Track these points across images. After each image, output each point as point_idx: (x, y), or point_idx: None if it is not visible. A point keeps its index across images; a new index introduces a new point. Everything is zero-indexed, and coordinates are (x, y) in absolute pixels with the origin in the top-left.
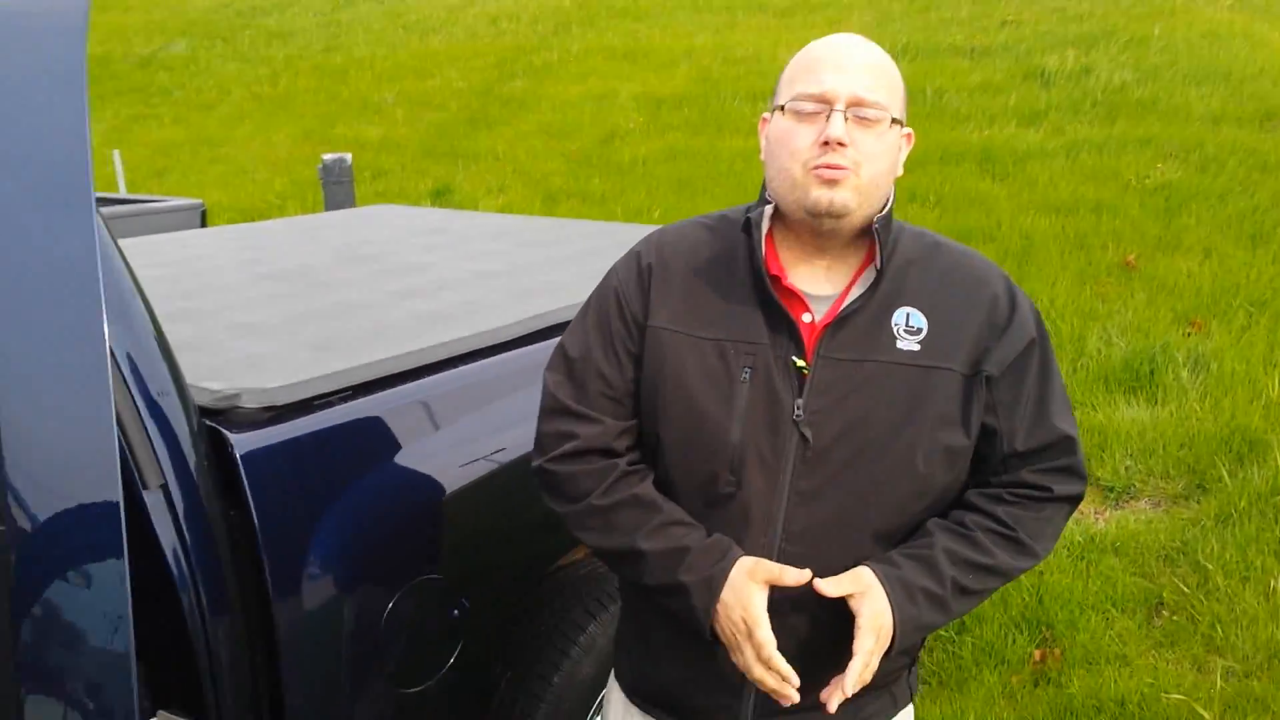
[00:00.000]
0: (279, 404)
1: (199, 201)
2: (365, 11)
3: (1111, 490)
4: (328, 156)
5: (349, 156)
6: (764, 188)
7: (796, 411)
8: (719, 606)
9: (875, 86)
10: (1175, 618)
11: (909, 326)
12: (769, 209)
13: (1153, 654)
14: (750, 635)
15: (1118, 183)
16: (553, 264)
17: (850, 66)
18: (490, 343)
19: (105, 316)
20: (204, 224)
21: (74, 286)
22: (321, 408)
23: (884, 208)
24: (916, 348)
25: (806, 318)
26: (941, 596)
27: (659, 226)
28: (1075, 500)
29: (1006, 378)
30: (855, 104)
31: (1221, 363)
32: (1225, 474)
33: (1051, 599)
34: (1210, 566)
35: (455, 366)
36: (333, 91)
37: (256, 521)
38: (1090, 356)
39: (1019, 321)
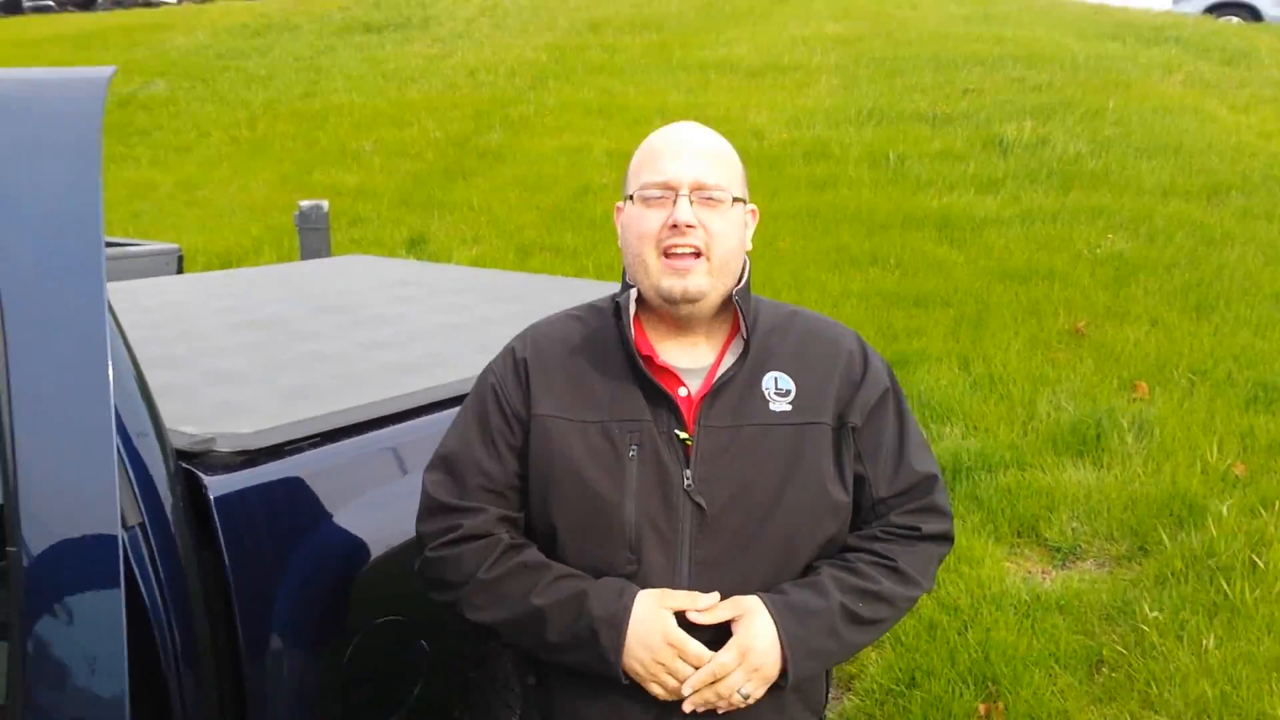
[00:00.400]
0: (252, 449)
1: (176, 246)
2: (345, 58)
3: (1058, 550)
4: (304, 203)
5: (326, 203)
6: (624, 273)
7: (686, 482)
8: (629, 642)
9: (714, 169)
10: (1114, 674)
11: (779, 389)
12: (633, 293)
13: (1092, 709)
14: (685, 654)
15: (1070, 251)
16: (519, 319)
17: (688, 153)
18: (455, 394)
19: (111, 368)
20: (180, 269)
21: (84, 339)
22: (293, 453)
23: (740, 280)
24: (789, 408)
25: (683, 391)
26: (832, 622)
27: (534, 321)
28: (944, 538)
29: (867, 426)
30: (697, 187)
31: (1164, 428)
32: (1165, 537)
33: (997, 655)
34: (1146, 628)
35: (421, 415)
36: (311, 137)
37: (227, 561)
38: (1040, 420)
39: (872, 373)
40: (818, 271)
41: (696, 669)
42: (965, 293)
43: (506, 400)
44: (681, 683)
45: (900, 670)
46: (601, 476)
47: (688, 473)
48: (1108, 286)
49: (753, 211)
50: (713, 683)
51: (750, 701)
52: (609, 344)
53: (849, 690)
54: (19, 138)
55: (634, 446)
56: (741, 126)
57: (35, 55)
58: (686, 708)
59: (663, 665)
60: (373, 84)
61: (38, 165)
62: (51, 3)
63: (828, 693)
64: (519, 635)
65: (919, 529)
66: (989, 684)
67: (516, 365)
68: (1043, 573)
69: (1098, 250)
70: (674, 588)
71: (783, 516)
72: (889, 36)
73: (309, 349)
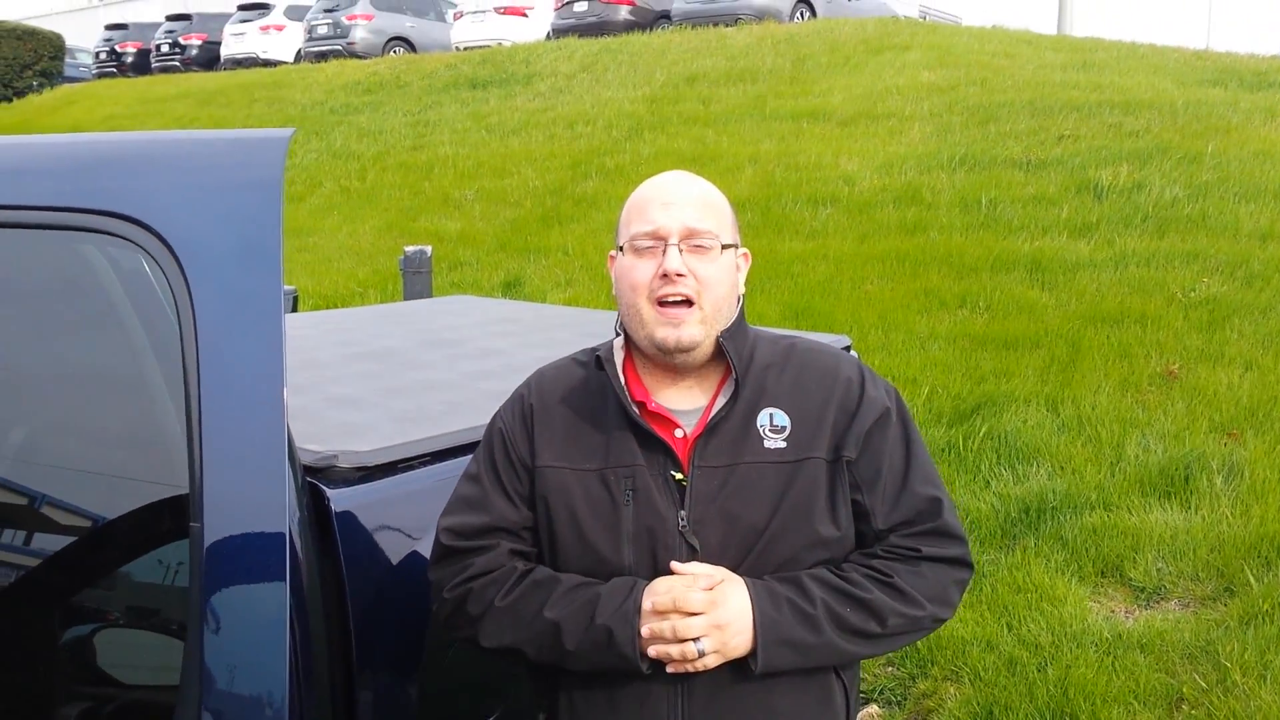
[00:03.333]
0: (369, 465)
1: (292, 288)
2: (451, 113)
3: (1142, 590)
4: (409, 248)
5: (429, 249)
6: (618, 320)
7: (681, 523)
8: (645, 617)
9: (703, 217)
10: (1194, 712)
11: (774, 426)
12: (619, 341)
13: None
14: (687, 604)
15: (1164, 295)
16: None
17: (678, 202)
18: None
19: (285, 388)
20: (295, 308)
21: (263, 354)
22: (405, 470)
23: (730, 321)
24: (783, 445)
25: (678, 433)
26: (811, 614)
27: (540, 367)
28: (952, 562)
29: (864, 455)
30: (687, 235)
31: (1254, 471)
32: (1252, 578)
33: (1076, 692)
34: (1229, 665)
35: None
36: (417, 187)
37: (344, 569)
38: (1128, 461)
39: (868, 399)
40: (905, 314)
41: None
42: (1055, 335)
43: (514, 448)
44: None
45: (978, 705)
46: (597, 526)
47: (682, 514)
48: (1202, 330)
49: (745, 255)
50: (674, 610)
51: (702, 662)
52: (606, 391)
53: None
54: (219, 183)
55: (629, 491)
56: (833, 173)
57: (163, 111)
58: (644, 631)
59: (670, 622)
60: (476, 137)
61: (231, 210)
62: (177, 62)
63: (851, 715)
64: (540, 650)
65: (919, 550)
66: (1067, 719)
67: (524, 413)
68: (1126, 612)
69: (1192, 294)
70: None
71: (772, 552)
72: (984, 84)
73: (420, 378)
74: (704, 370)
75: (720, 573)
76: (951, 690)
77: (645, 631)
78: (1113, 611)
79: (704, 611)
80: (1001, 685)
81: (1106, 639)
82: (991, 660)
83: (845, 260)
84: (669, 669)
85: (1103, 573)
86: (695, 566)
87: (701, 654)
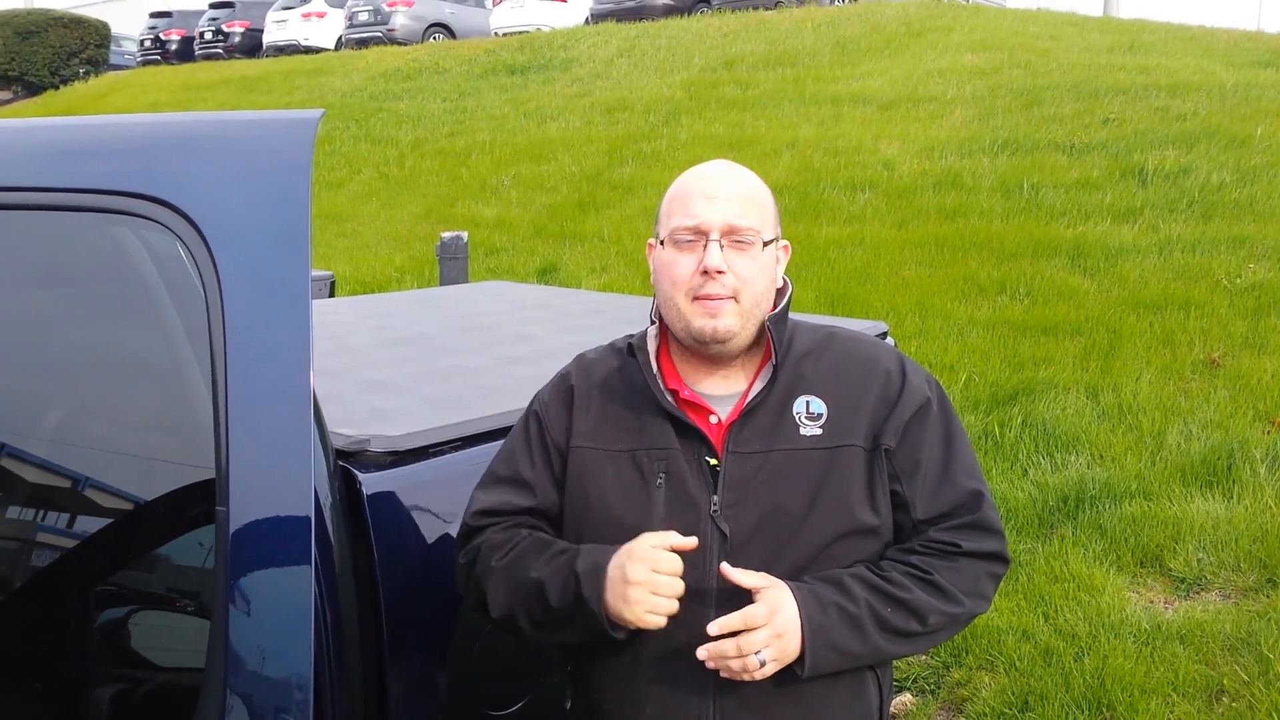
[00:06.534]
0: (401, 450)
1: (329, 273)
2: (489, 100)
3: (1183, 581)
4: (446, 234)
5: (465, 235)
6: (654, 308)
7: (713, 508)
8: (610, 577)
9: (746, 213)
10: (1235, 704)
11: (810, 413)
12: (654, 330)
13: None
14: (658, 565)
15: (1208, 281)
16: None
17: (721, 196)
18: None
19: (312, 370)
20: (333, 293)
21: (291, 338)
22: (437, 455)
23: (777, 307)
24: (819, 432)
25: (713, 419)
26: (856, 616)
27: (582, 351)
28: (990, 557)
29: (904, 445)
30: (729, 232)
31: None
32: None
33: (1114, 682)
34: (1272, 656)
35: None
36: (454, 173)
37: (375, 552)
38: (1169, 450)
39: (910, 389)
40: (944, 300)
41: (675, 591)
42: (1096, 322)
43: (549, 430)
44: (669, 599)
45: (1013, 694)
46: (629, 506)
47: (715, 499)
48: (1247, 317)
49: (785, 247)
50: (739, 632)
51: (761, 672)
52: (641, 378)
53: (960, 713)
54: (248, 165)
55: (661, 474)
56: (872, 158)
57: (205, 98)
58: (701, 654)
59: (641, 585)
60: (514, 123)
61: (260, 192)
62: (220, 50)
63: (884, 706)
64: (531, 614)
65: (959, 545)
66: (1104, 710)
67: (565, 395)
68: (1165, 603)
69: (1237, 280)
70: (701, 612)
71: (808, 540)
72: (1028, 67)
73: (452, 363)
74: (741, 358)
75: (766, 577)
76: (986, 679)
77: (703, 654)
78: (1151, 602)
79: (766, 624)
80: (1037, 675)
81: (1145, 629)
82: (1027, 650)
83: (883, 246)
84: (722, 674)
85: (1142, 563)
86: (742, 575)
87: (762, 664)
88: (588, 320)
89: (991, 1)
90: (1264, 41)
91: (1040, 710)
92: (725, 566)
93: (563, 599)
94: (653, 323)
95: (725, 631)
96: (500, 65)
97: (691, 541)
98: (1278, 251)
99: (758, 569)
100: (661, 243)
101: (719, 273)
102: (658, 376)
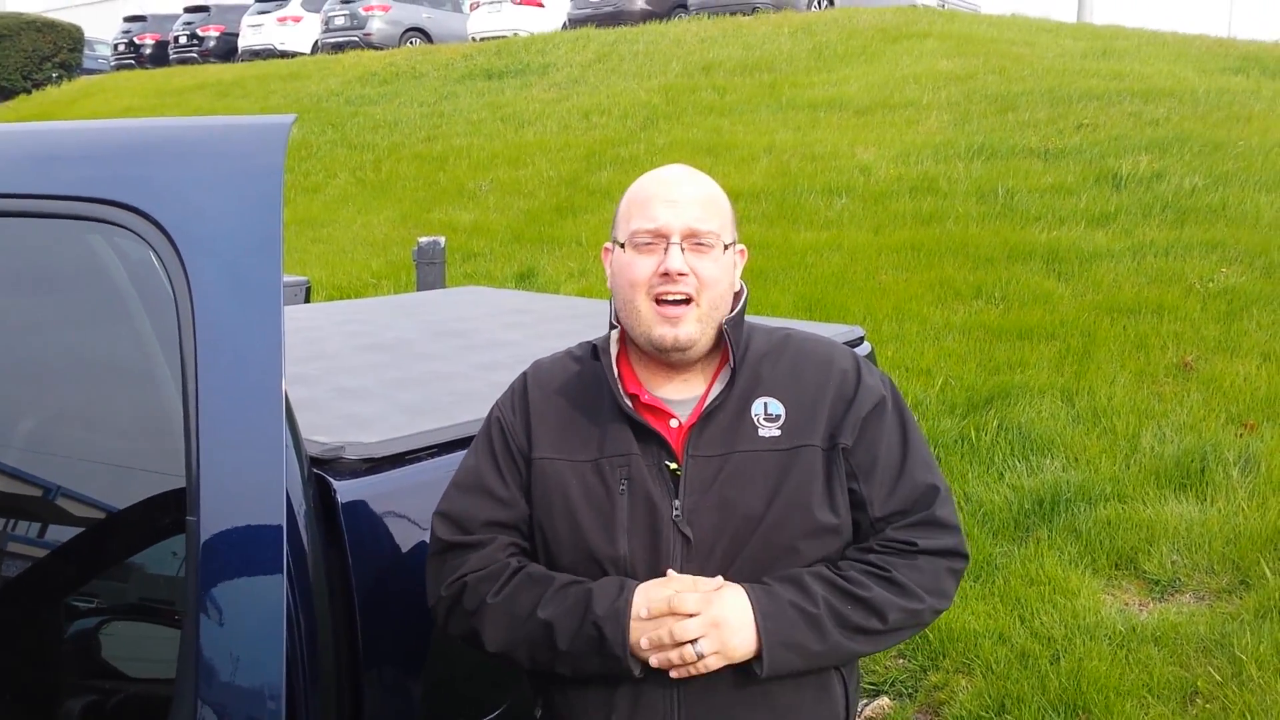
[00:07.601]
0: (376, 457)
1: (305, 279)
2: (466, 104)
3: (1157, 583)
4: (423, 239)
5: (443, 240)
6: (612, 312)
7: (675, 512)
8: (634, 622)
9: (706, 217)
10: (1209, 706)
11: (768, 415)
12: (615, 334)
13: None
14: (682, 607)
15: (1182, 285)
16: None
17: (682, 200)
18: None
19: (284, 376)
20: (308, 299)
21: (262, 344)
22: (413, 462)
23: (733, 310)
24: (778, 433)
25: (673, 423)
26: (814, 615)
27: (536, 359)
28: (947, 553)
29: (860, 443)
30: (690, 235)
31: (1271, 464)
32: (1268, 571)
33: (1089, 684)
34: (1245, 658)
35: None
36: (431, 178)
37: (350, 560)
38: (1143, 453)
39: (865, 388)
40: (920, 305)
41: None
42: (1071, 326)
43: (513, 438)
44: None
45: (990, 697)
46: (592, 517)
47: (676, 503)
48: (1219, 321)
49: (741, 251)
50: (669, 614)
51: (704, 664)
52: (601, 383)
53: (938, 716)
54: (218, 171)
55: (624, 481)
56: (849, 163)
57: (180, 103)
58: (642, 644)
59: (666, 627)
60: (491, 127)
61: (231, 198)
62: (195, 54)
63: (851, 707)
64: (534, 653)
65: (915, 544)
66: (1080, 712)
67: (521, 404)
68: (1140, 605)
69: (1210, 284)
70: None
71: (768, 540)
72: (1002, 73)
73: (428, 369)
74: (700, 362)
75: (718, 581)
76: (963, 682)
77: (644, 642)
78: (1126, 604)
79: (699, 611)
80: (1014, 678)
81: (1120, 632)
82: (1004, 653)
83: (860, 251)
84: (673, 674)
85: (1117, 565)
86: (693, 580)
87: (701, 655)
88: (565, 325)
89: (966, 7)
90: (1235, 48)
91: (1017, 713)
92: (671, 572)
93: (576, 643)
94: (613, 326)
95: (652, 615)
96: (477, 70)
97: (716, 581)
98: (1250, 256)
99: (720, 572)
100: (621, 246)
101: (680, 274)
102: (618, 381)
